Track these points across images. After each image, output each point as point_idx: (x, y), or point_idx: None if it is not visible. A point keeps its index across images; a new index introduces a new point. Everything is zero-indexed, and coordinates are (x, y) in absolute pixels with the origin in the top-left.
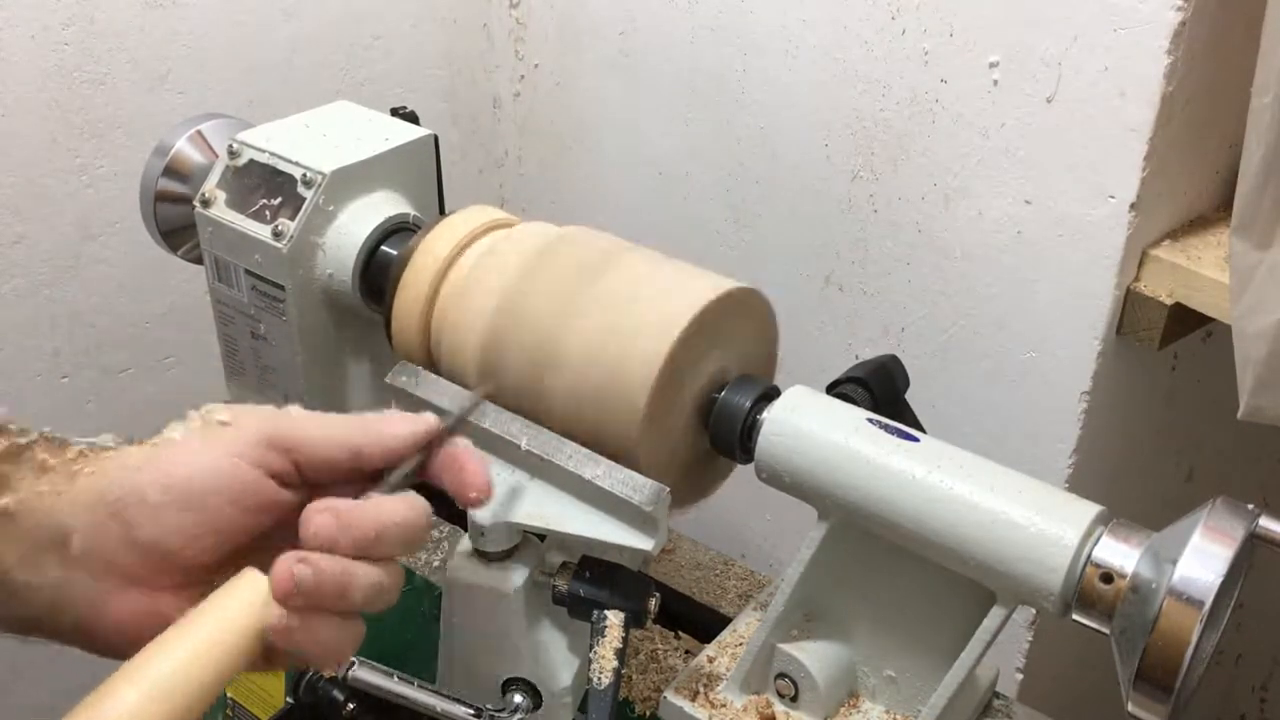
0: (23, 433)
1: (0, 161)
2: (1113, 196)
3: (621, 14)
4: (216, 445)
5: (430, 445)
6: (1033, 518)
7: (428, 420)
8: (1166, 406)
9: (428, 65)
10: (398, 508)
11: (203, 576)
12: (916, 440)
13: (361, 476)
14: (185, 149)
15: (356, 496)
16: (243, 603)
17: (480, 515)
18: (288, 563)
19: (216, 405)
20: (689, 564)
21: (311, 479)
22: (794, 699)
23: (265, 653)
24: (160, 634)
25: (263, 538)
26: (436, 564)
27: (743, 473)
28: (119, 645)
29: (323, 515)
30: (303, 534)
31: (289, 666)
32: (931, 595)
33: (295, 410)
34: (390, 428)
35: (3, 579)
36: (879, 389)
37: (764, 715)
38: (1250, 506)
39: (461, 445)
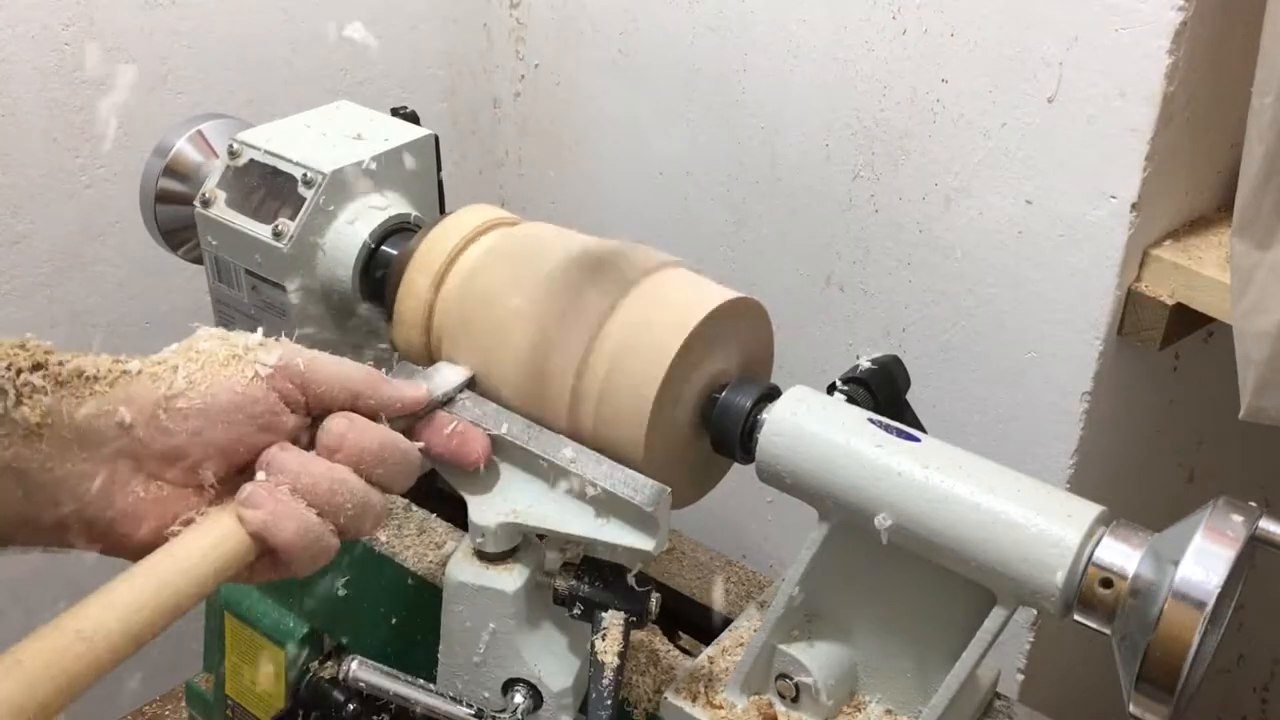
0: (48, 351)
1: (0, 161)
2: (1114, 196)
3: (621, 14)
4: (245, 367)
5: (418, 413)
6: (1033, 518)
7: (421, 388)
8: (1168, 407)
9: (428, 65)
10: (400, 437)
11: (208, 481)
12: (917, 440)
13: None
14: (185, 149)
15: None
16: (232, 521)
17: (481, 516)
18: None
19: (223, 331)
20: (689, 564)
21: (314, 410)
22: (795, 699)
23: (254, 566)
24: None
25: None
26: (432, 560)
27: (743, 473)
28: (128, 533)
29: (339, 418)
30: (319, 433)
31: (272, 577)
32: (932, 596)
33: (312, 350)
34: (388, 385)
35: (39, 477)
36: (880, 389)
37: (765, 716)
38: (1252, 504)
39: (451, 417)
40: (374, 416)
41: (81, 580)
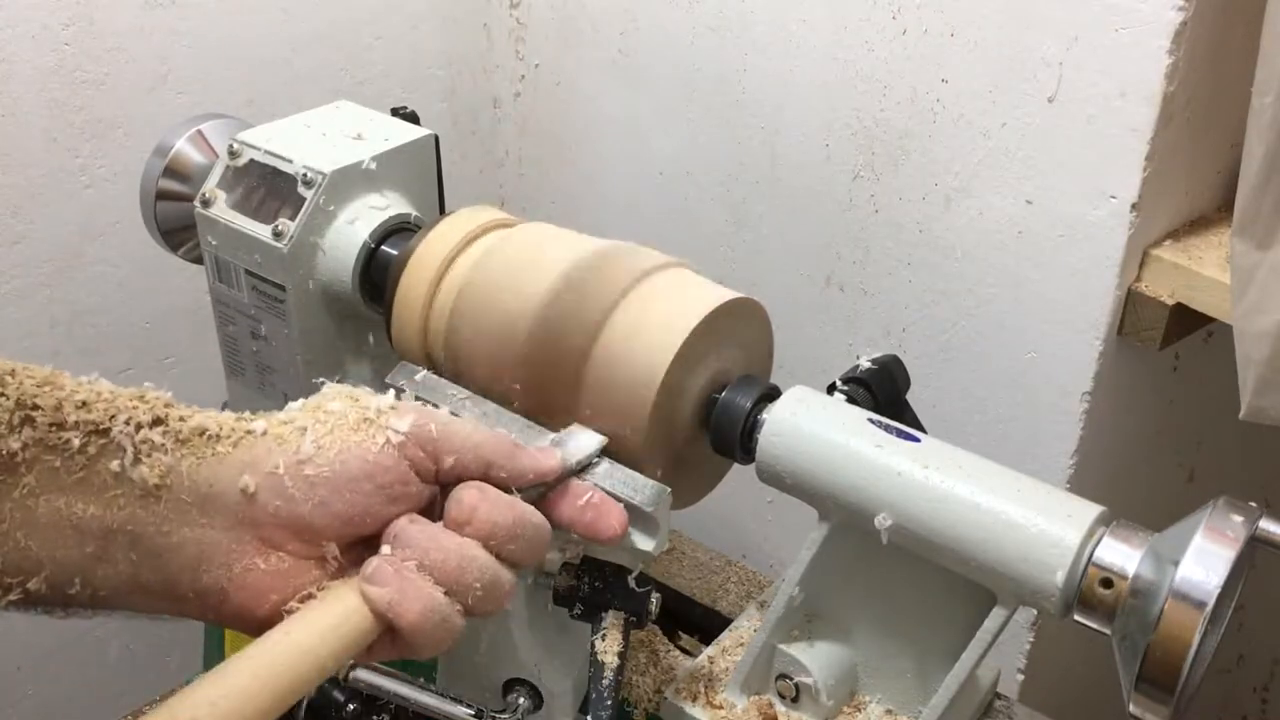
0: (168, 405)
1: (0, 161)
2: (1114, 196)
3: (621, 14)
4: (376, 432)
5: (552, 483)
6: (1034, 518)
7: (555, 457)
8: (1168, 407)
9: (428, 65)
10: (533, 510)
11: (331, 554)
12: (917, 440)
13: None
14: (185, 149)
15: None
16: (354, 598)
17: None
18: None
19: (350, 389)
20: (689, 564)
21: (443, 479)
22: (795, 700)
23: (374, 645)
24: (279, 624)
25: (383, 529)
26: None
27: (743, 473)
28: (245, 605)
29: (471, 488)
30: (449, 503)
31: (391, 656)
32: (932, 596)
33: (443, 413)
34: (523, 455)
35: (153, 542)
36: (880, 389)
37: (765, 716)
38: (1252, 504)
39: (587, 486)
40: (505, 487)
41: None
